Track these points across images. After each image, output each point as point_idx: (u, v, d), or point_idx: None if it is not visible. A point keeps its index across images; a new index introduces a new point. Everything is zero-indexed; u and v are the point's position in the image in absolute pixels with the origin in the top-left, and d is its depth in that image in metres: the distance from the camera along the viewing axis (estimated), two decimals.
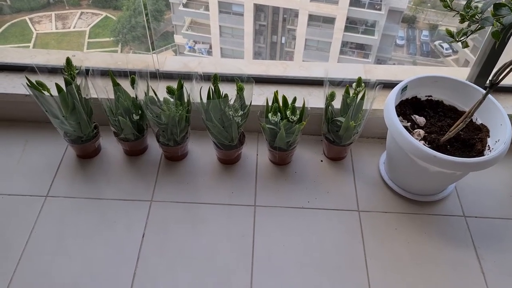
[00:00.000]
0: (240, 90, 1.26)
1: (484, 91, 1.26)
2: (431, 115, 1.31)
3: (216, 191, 1.34)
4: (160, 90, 1.28)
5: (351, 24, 12.98)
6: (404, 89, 1.28)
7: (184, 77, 1.28)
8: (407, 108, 1.31)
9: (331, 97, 1.29)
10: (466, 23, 1.03)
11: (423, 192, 1.34)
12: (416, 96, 1.33)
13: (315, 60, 13.48)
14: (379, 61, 14.24)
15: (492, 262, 1.20)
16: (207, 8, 13.39)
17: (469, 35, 1.05)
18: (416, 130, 1.25)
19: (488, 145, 1.21)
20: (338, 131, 1.33)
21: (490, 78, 1.19)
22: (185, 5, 13.71)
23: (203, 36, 14.16)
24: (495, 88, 1.10)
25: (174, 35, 14.55)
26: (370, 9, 12.28)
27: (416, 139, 1.22)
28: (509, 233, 1.27)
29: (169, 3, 14.24)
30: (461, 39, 1.04)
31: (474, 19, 1.01)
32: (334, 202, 1.33)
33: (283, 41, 14.27)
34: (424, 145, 1.20)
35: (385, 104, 1.23)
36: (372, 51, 13.41)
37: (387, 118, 1.21)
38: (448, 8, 1.05)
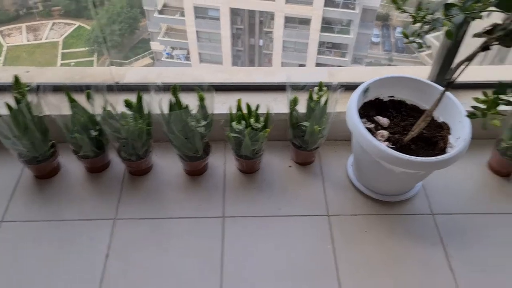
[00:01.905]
0: (201, 100, 1.23)
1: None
2: (394, 115, 1.31)
3: (183, 204, 1.31)
4: (120, 103, 1.24)
5: (327, 24, 13.11)
6: (366, 91, 1.28)
7: (143, 89, 1.25)
8: (371, 109, 1.31)
9: (294, 102, 1.28)
10: (419, 24, 1.03)
11: (391, 193, 1.34)
12: (378, 97, 1.33)
13: (294, 61, 13.55)
14: (356, 59, 14.40)
15: (460, 258, 1.20)
16: (182, 14, 13.32)
17: (423, 36, 1.05)
18: (379, 131, 1.25)
19: (450, 143, 1.21)
20: (303, 136, 1.32)
21: (445, 77, 1.20)
22: (160, 12, 13.61)
23: (180, 42, 14.08)
24: (453, 86, 1.10)
25: (151, 42, 14.42)
26: (345, 9, 12.42)
27: (380, 140, 1.22)
28: (475, 227, 1.27)
29: (144, 10, 14.13)
30: (415, 40, 1.05)
31: (425, 20, 1.01)
32: (304, 208, 1.31)
33: (261, 44, 14.31)
34: (388, 146, 1.20)
35: (347, 107, 1.23)
36: (348, 50, 13.56)
37: (349, 121, 1.20)
38: (401, 10, 1.05)
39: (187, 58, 14.06)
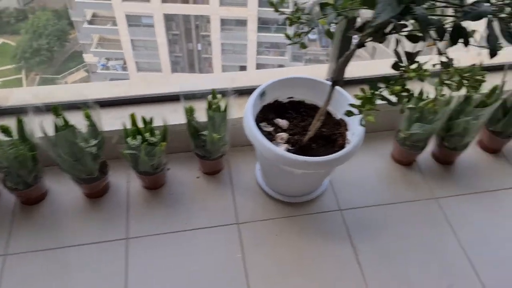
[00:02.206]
0: (87, 118, 1.16)
1: (339, 88, 1.29)
2: (294, 116, 1.31)
3: (83, 230, 1.23)
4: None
5: (263, 25, 13.27)
6: (263, 94, 1.27)
7: (25, 111, 1.15)
8: (270, 112, 1.30)
9: (190, 111, 1.24)
10: (297, 25, 1.04)
11: (299, 193, 1.34)
12: (277, 100, 1.33)
13: (234, 63, 13.56)
14: (295, 57, 14.69)
15: (366, 251, 1.22)
16: (115, 23, 12.86)
17: (304, 36, 1.06)
18: (279, 134, 1.24)
19: (348, 139, 1.24)
20: (205, 146, 1.29)
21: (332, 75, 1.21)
22: (90, 22, 13.05)
23: (115, 52, 13.59)
24: (347, 82, 1.12)
25: (84, 55, 13.80)
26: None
27: (279, 142, 1.22)
28: (380, 219, 1.31)
29: (72, 22, 13.46)
30: (297, 41, 1.05)
31: (301, 21, 1.01)
32: (213, 219, 1.28)
33: (199, 48, 14.18)
34: (288, 148, 1.20)
35: (244, 113, 1.21)
36: (287, 49, 13.82)
37: (246, 126, 1.19)
38: (279, 12, 1.05)
39: (124, 68, 13.60)
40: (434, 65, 0.85)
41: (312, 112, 1.33)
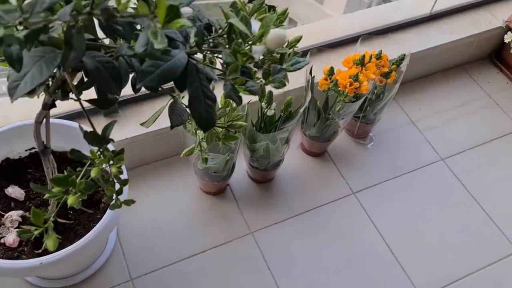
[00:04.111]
0: None
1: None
2: (38, 177, 0.95)
3: None
4: None
5: None
6: None
7: None
8: None
9: None
10: None
11: (73, 271, 1.01)
12: (8, 157, 0.95)
13: None
14: None
15: None
16: None
17: None
18: (8, 214, 0.88)
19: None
20: None
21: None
22: None
23: None
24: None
25: None
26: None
27: (10, 228, 0.86)
28: (184, 277, 1.05)
29: None
30: None
31: None
32: None
33: None
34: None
35: None
36: None
37: None
38: None
39: None
40: None
41: (66, 162, 0.98)
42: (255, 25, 0.47)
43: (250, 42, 0.46)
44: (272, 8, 0.62)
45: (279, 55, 0.56)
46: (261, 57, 0.53)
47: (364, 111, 1.20)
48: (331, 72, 1.06)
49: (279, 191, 1.22)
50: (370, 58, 1.07)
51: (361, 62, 1.04)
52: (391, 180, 1.26)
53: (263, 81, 0.51)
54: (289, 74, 0.55)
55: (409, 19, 1.42)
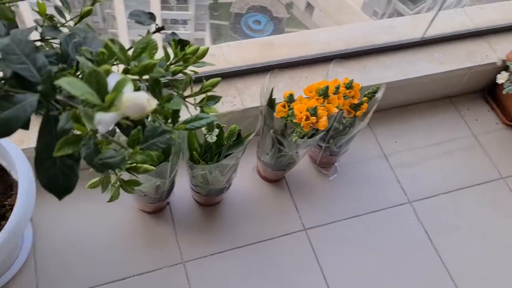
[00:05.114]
0: None
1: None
2: None
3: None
4: None
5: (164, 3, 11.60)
6: None
7: None
8: None
9: None
10: None
11: None
12: None
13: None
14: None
15: None
16: None
17: None
18: None
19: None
20: None
21: None
22: None
23: None
24: None
25: None
26: None
27: None
28: None
29: None
30: None
31: None
32: None
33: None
34: None
35: None
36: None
37: None
38: None
39: None
40: None
41: None
42: (113, 82, 0.35)
43: (96, 109, 0.34)
44: (184, 44, 0.49)
45: (171, 111, 0.43)
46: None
47: (327, 142, 1.08)
48: (290, 99, 0.93)
49: (224, 216, 1.11)
50: (338, 88, 0.94)
51: (324, 93, 0.91)
52: (348, 219, 1.15)
53: (128, 149, 0.38)
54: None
55: (399, 41, 1.28)
